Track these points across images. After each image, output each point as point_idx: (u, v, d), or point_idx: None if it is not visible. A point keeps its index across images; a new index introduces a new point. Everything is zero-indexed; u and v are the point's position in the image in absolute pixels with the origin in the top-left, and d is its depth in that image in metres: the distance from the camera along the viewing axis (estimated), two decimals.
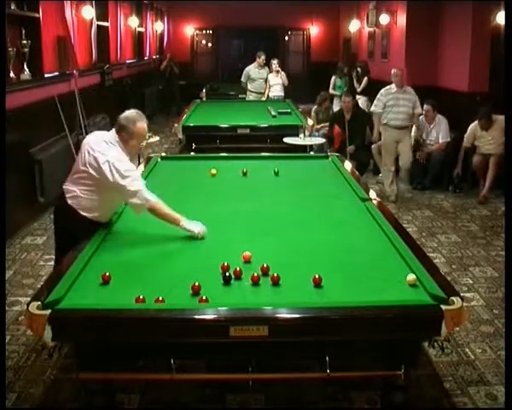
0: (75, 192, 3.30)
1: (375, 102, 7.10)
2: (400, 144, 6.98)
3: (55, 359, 3.29)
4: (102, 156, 3.20)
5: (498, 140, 6.86)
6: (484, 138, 7.10)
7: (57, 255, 3.48)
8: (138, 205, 3.20)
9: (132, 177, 3.20)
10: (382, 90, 6.96)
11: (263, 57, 10.06)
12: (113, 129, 3.36)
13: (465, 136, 7.24)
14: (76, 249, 2.95)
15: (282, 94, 10.05)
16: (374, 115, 7.21)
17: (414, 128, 7.59)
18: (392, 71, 6.99)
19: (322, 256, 2.94)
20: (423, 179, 7.56)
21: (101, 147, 3.25)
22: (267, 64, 10.17)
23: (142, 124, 3.34)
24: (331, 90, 10.41)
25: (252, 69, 10.15)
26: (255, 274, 2.61)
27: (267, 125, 7.16)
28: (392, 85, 6.95)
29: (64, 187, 3.37)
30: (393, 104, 6.84)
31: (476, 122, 7.11)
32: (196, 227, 3.18)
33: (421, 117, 7.65)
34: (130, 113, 3.38)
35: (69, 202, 3.30)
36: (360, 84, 10.29)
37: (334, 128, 7.82)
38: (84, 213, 3.28)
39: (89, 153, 3.25)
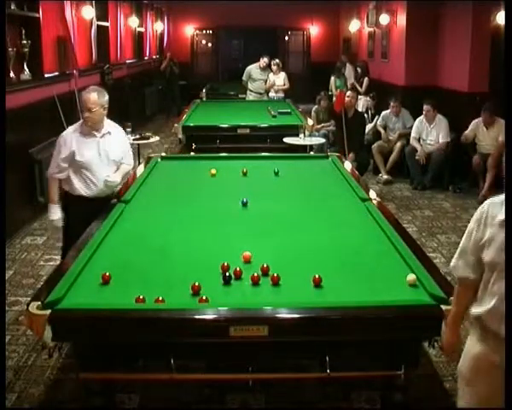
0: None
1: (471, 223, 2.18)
2: None
3: (54, 359, 3.30)
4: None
5: (497, 141, 6.87)
6: (483, 137, 7.11)
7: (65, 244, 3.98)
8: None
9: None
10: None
11: (265, 60, 10.00)
12: None
13: (466, 131, 7.24)
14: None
15: (282, 94, 10.03)
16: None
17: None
18: None
19: (322, 256, 2.94)
20: (423, 179, 7.57)
21: None
22: (269, 66, 10.13)
23: (87, 94, 3.77)
24: (331, 91, 10.41)
25: (253, 69, 10.13)
26: (255, 274, 2.61)
27: (267, 125, 7.16)
28: None
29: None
30: None
31: (478, 120, 7.11)
32: (52, 215, 3.95)
33: (421, 117, 7.66)
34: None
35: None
36: (361, 86, 10.29)
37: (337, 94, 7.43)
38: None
39: None
